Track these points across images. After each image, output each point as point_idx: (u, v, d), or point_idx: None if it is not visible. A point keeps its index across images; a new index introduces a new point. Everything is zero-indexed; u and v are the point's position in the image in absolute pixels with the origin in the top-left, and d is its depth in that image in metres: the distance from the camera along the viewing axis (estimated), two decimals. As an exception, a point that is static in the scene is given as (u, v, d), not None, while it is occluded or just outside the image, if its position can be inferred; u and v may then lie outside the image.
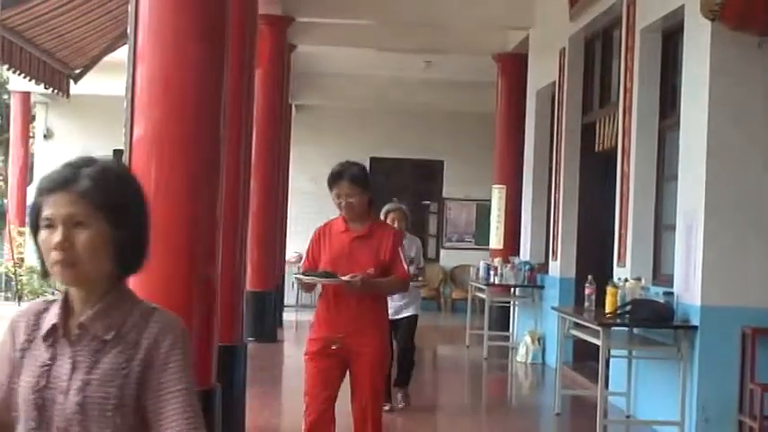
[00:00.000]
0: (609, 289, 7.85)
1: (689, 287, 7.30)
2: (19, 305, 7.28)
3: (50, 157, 20.21)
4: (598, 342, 7.35)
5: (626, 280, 7.98)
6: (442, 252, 20.12)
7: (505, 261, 12.94)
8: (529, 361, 11.85)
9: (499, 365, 12.31)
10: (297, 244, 16.67)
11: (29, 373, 2.10)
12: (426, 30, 14.45)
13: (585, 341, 8.07)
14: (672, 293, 7.47)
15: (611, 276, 8.59)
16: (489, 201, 15.14)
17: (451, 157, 20.01)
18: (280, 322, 14.07)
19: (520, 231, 13.53)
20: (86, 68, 10.64)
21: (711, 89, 7.13)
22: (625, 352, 8.25)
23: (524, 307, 12.92)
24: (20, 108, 19.07)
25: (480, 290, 13.17)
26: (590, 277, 8.65)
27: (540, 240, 12.78)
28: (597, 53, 10.97)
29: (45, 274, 2.13)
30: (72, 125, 20.00)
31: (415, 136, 19.72)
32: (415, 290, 8.15)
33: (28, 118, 19.88)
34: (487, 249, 15.03)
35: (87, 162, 2.32)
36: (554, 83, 11.88)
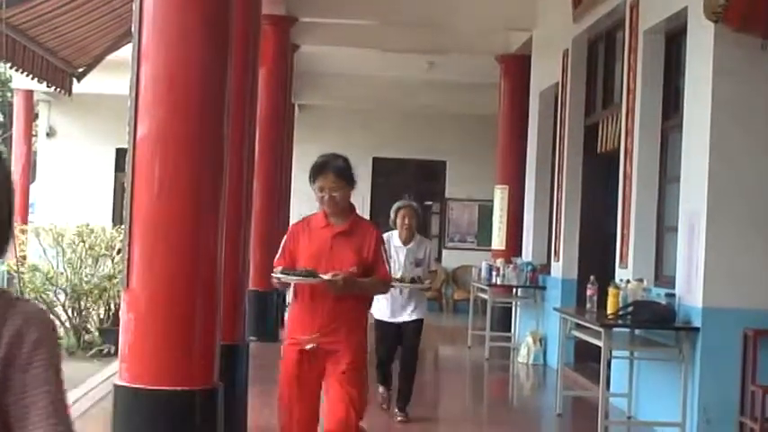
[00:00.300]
0: (611, 290, 7.85)
1: (691, 289, 7.30)
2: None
3: (53, 156, 20.27)
4: (600, 343, 7.35)
5: (628, 281, 7.98)
6: (445, 252, 20.11)
7: (507, 262, 12.95)
8: (530, 362, 11.86)
9: (501, 366, 12.31)
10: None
11: None
12: (429, 30, 14.46)
13: (587, 342, 8.07)
14: (674, 295, 7.47)
15: (613, 277, 8.59)
16: (492, 201, 15.15)
17: (454, 157, 20.02)
18: (282, 322, 14.07)
19: (522, 232, 13.54)
20: (90, 67, 10.64)
21: (714, 91, 7.13)
22: (626, 353, 8.25)
23: (526, 308, 12.92)
24: (23, 106, 19.10)
25: (482, 290, 13.18)
26: (592, 278, 8.65)
27: (542, 241, 12.78)
28: (600, 54, 10.97)
29: None
30: (75, 124, 20.03)
31: (417, 136, 19.73)
32: (420, 293, 8.02)
33: (31, 116, 19.90)
34: (490, 250, 15.03)
35: None
36: (557, 84, 11.89)
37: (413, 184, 20.00)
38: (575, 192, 11.23)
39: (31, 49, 9.03)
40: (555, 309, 9.61)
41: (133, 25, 5.03)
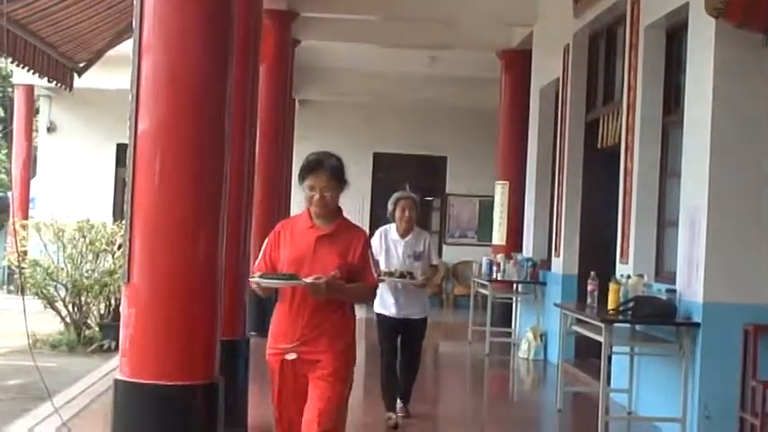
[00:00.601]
0: (611, 286, 7.85)
1: (691, 284, 7.30)
2: (23, 298, 7.29)
3: (54, 151, 20.28)
4: (600, 339, 7.35)
5: (628, 277, 7.98)
6: (445, 248, 20.13)
7: (508, 257, 12.96)
8: (531, 357, 11.86)
9: (501, 362, 12.32)
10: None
11: None
12: (430, 25, 14.45)
13: (587, 338, 8.07)
14: (674, 290, 7.47)
15: (614, 273, 8.60)
16: (492, 197, 15.16)
17: (455, 153, 20.03)
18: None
19: (523, 228, 13.54)
20: (90, 62, 10.63)
21: (715, 86, 7.13)
22: (627, 349, 8.25)
23: (527, 303, 12.93)
24: (23, 101, 19.10)
25: (483, 286, 13.18)
26: (592, 274, 8.65)
27: (542, 237, 12.79)
28: (601, 50, 10.96)
29: None
30: (75, 119, 20.03)
31: (418, 132, 19.74)
32: (421, 290, 7.72)
33: (31, 111, 19.91)
34: (490, 245, 15.05)
35: None
36: (558, 79, 11.88)
37: (413, 180, 19.98)
38: (575, 187, 11.23)
39: (32, 44, 9.03)
40: (555, 304, 9.60)
41: (134, 20, 5.03)
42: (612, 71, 10.50)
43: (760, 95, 7.15)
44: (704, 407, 7.06)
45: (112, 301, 11.36)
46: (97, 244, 11.54)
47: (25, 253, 12.15)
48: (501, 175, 14.77)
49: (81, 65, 10.53)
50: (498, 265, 12.77)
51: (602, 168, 10.71)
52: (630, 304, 7.49)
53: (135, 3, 5.01)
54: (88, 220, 11.73)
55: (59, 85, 10.41)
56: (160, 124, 4.89)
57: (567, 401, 8.83)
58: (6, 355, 10.38)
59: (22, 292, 8.57)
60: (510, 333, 13.22)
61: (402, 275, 7.49)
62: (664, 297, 7.47)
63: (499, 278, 12.71)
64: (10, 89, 20.97)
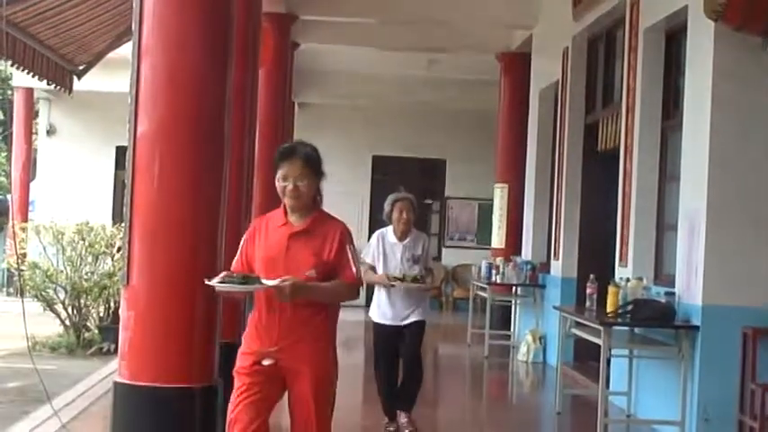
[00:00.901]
0: (610, 288, 7.85)
1: (690, 287, 7.30)
2: (22, 301, 7.29)
3: (53, 154, 20.27)
4: (599, 341, 7.35)
5: (627, 279, 7.98)
6: (444, 251, 20.13)
7: (507, 260, 12.96)
8: (530, 360, 11.86)
9: (500, 364, 12.31)
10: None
11: None
12: (429, 28, 14.45)
13: (587, 340, 8.07)
14: (673, 293, 7.47)
15: (613, 276, 8.60)
16: (491, 200, 15.16)
17: (454, 155, 20.02)
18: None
19: (522, 230, 13.54)
20: (90, 65, 10.63)
21: (714, 89, 7.13)
22: (626, 351, 8.25)
23: (526, 306, 12.93)
24: (23, 104, 19.11)
25: (482, 289, 13.18)
26: (592, 276, 8.64)
27: (541, 239, 12.78)
28: (600, 53, 10.97)
29: None
30: (75, 121, 20.02)
31: (417, 134, 19.73)
32: (420, 293, 7.41)
33: (31, 114, 19.92)
34: (489, 248, 15.04)
35: None
36: (557, 82, 11.89)
37: (412, 183, 20.00)
38: (574, 190, 11.23)
39: (32, 47, 9.03)
40: (554, 307, 9.60)
41: (133, 23, 5.03)
42: (612, 74, 10.50)
43: (759, 98, 7.15)
44: (703, 410, 7.06)
45: (112, 304, 11.37)
46: (96, 246, 11.55)
47: (24, 255, 12.15)
48: (500, 178, 14.77)
49: (80, 67, 10.54)
50: (497, 268, 12.77)
51: (601, 171, 10.71)
52: (629, 307, 7.48)
53: (134, 5, 5.02)
54: (87, 223, 11.74)
55: (59, 87, 10.41)
56: (159, 127, 4.90)
57: (566, 404, 8.83)
58: (6, 357, 10.37)
59: (22, 295, 8.57)
60: (509, 336, 13.22)
61: (415, 279, 7.25)
62: (663, 300, 7.47)
63: (498, 281, 12.71)
64: (9, 92, 21.00)
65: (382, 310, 7.37)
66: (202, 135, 4.95)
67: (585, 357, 10.21)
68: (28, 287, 11.11)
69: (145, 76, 4.91)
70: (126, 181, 4.99)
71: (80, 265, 11.49)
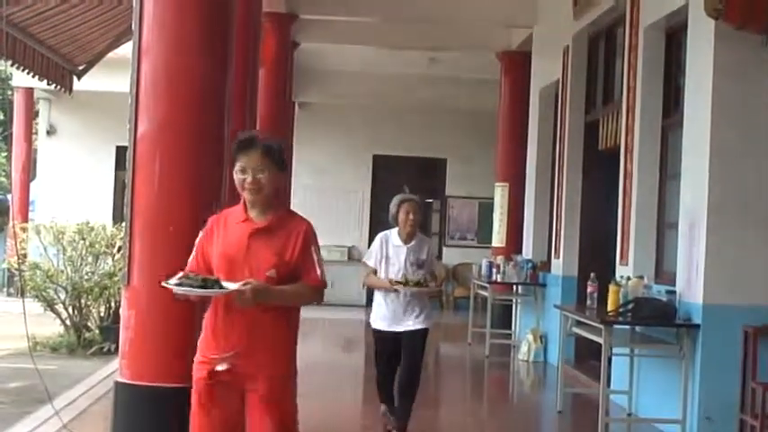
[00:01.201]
0: (611, 287, 7.85)
1: (691, 285, 7.30)
2: (22, 301, 7.29)
3: (53, 154, 20.27)
4: (600, 340, 7.34)
5: (628, 278, 7.98)
6: (445, 250, 20.13)
7: (508, 259, 12.96)
8: (531, 359, 11.86)
9: (501, 363, 12.31)
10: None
11: None
12: (430, 27, 14.46)
13: (588, 339, 8.07)
14: (674, 292, 7.47)
15: (614, 274, 8.59)
16: (492, 199, 15.16)
17: (454, 154, 20.03)
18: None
19: (522, 229, 13.54)
20: (90, 65, 10.64)
21: (715, 87, 7.12)
22: (627, 350, 8.24)
23: (526, 305, 12.93)
24: (23, 104, 19.10)
25: (483, 288, 13.18)
26: (592, 275, 8.64)
27: (542, 238, 12.78)
28: (601, 51, 10.97)
29: None
30: (75, 121, 20.02)
31: (418, 133, 19.73)
32: (425, 299, 7.16)
33: (31, 114, 19.91)
34: (490, 247, 15.04)
35: None
36: (557, 81, 11.88)
37: (413, 182, 19.98)
38: (575, 189, 11.23)
39: (32, 47, 9.03)
40: (555, 306, 9.60)
41: (133, 23, 5.03)
42: (612, 72, 10.50)
43: (759, 96, 7.15)
44: (704, 408, 7.06)
45: (112, 304, 11.36)
46: (97, 246, 11.55)
47: (25, 256, 12.15)
48: (501, 177, 14.77)
49: (80, 68, 10.54)
50: (498, 266, 12.78)
51: (601, 170, 10.71)
52: (630, 306, 7.48)
53: (134, 5, 5.02)
54: (88, 223, 11.74)
55: (59, 87, 10.41)
56: (160, 127, 4.90)
57: (566, 403, 8.82)
58: (6, 357, 10.37)
59: (22, 295, 8.56)
60: (510, 335, 13.22)
61: (418, 284, 6.98)
62: (663, 298, 7.47)
63: (499, 280, 12.72)
64: (9, 92, 20.98)
65: (382, 315, 7.13)
66: (203, 135, 4.95)
67: (586, 356, 10.21)
68: (28, 287, 11.11)
69: (145, 76, 4.91)
70: (126, 181, 4.99)
71: (80, 265, 11.49)
